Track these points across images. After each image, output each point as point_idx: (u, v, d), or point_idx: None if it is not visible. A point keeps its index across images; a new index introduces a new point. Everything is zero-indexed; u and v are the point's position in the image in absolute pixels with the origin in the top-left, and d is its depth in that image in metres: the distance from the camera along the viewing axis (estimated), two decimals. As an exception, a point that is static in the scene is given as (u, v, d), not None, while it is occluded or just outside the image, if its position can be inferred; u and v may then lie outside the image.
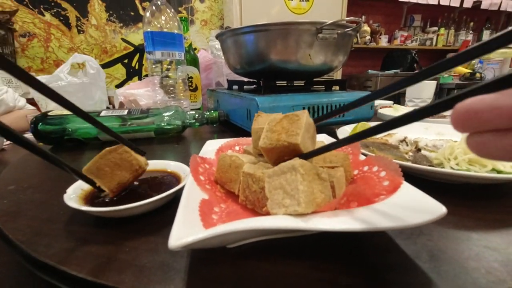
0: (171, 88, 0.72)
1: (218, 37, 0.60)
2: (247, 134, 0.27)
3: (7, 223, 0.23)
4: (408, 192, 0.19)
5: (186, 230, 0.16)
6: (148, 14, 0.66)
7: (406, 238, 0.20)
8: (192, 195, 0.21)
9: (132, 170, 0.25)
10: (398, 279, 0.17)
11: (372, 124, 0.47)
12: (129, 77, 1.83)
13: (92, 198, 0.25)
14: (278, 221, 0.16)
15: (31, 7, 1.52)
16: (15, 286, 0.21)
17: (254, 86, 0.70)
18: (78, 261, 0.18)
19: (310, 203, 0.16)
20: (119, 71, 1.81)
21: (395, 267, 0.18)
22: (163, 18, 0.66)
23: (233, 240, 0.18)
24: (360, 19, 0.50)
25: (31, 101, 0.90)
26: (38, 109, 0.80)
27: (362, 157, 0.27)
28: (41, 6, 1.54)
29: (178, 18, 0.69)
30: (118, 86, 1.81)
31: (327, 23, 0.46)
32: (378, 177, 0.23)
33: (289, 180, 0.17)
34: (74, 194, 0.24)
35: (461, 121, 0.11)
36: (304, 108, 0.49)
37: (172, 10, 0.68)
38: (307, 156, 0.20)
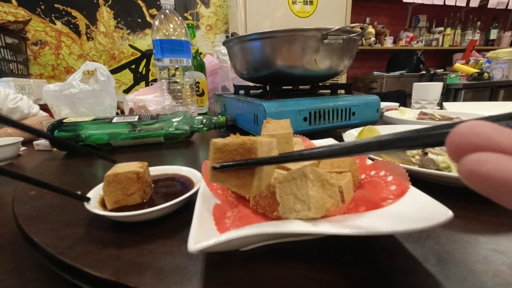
0: (178, 94, 0.73)
1: (225, 43, 0.62)
2: (256, 139, 0.28)
3: (31, 227, 0.25)
4: (415, 197, 0.20)
5: (202, 234, 0.17)
6: (157, 22, 0.68)
7: (414, 241, 0.21)
8: (206, 201, 0.22)
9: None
10: (407, 282, 0.17)
11: (378, 127, 0.47)
12: (136, 82, 1.87)
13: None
14: (292, 225, 0.16)
15: (43, 16, 1.57)
16: (41, 287, 0.22)
17: (261, 91, 0.71)
18: (100, 264, 0.19)
19: (320, 208, 0.17)
20: (127, 76, 1.84)
21: (403, 270, 0.18)
22: (171, 25, 0.68)
23: (248, 243, 0.19)
24: (365, 25, 0.51)
25: (44, 107, 0.93)
26: (51, 115, 0.83)
27: (369, 162, 0.28)
28: (53, 15, 1.59)
29: (185, 25, 0.71)
30: (126, 91, 1.84)
31: (333, 29, 0.47)
32: (385, 182, 0.23)
33: (299, 186, 0.18)
34: (93, 200, 0.25)
35: (465, 138, 0.09)
36: (310, 113, 0.50)
37: (180, 18, 0.70)
38: (266, 161, 0.17)
